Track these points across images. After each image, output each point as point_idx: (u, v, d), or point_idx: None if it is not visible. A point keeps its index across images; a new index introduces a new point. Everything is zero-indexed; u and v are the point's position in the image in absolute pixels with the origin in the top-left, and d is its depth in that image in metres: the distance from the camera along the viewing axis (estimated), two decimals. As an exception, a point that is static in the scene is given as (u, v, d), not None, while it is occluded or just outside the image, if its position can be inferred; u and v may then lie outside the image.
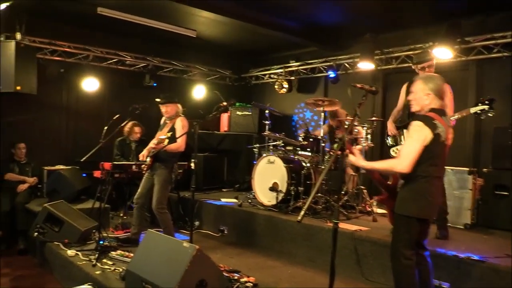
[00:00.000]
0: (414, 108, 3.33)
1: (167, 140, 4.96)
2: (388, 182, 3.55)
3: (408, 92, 4.81)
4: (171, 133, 5.11)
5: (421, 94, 3.23)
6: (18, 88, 6.09)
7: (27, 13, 6.27)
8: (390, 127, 4.98)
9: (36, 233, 5.15)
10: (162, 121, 5.43)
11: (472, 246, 4.24)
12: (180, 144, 5.05)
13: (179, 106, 5.34)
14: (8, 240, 5.96)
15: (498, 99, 6.08)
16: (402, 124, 4.78)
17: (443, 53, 5.78)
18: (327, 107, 6.09)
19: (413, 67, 4.80)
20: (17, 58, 6.06)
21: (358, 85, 3.33)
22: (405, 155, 3.06)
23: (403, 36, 6.88)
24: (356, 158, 3.28)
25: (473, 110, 4.23)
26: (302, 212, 2.45)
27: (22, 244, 5.90)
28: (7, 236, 5.96)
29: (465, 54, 6.19)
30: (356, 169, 6.00)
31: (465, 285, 3.70)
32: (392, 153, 4.88)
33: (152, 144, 5.15)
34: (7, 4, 4.70)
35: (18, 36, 6.26)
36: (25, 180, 6.47)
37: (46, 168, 6.71)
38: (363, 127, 5.90)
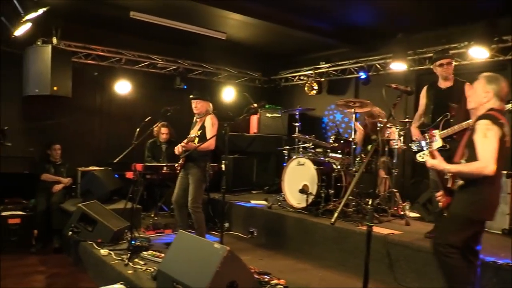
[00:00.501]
0: (470, 105, 3.27)
1: (197, 138, 5.02)
2: (449, 185, 3.36)
3: (428, 96, 4.71)
4: (201, 131, 5.16)
5: (480, 92, 3.18)
6: (55, 88, 6.25)
7: (62, 19, 6.43)
8: (415, 132, 4.80)
9: (70, 232, 5.26)
10: (194, 120, 5.49)
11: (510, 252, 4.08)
12: (210, 142, 5.08)
13: (210, 104, 5.37)
14: (44, 239, 6.12)
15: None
16: (426, 128, 4.62)
17: (479, 53, 5.62)
18: (358, 109, 6.00)
19: (431, 66, 4.69)
20: (53, 62, 6.24)
21: (393, 85, 3.26)
22: (487, 156, 2.93)
23: (436, 36, 6.70)
24: (438, 161, 3.18)
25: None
26: (336, 215, 2.41)
27: (57, 243, 6.05)
28: (43, 235, 6.13)
29: (502, 54, 5.99)
30: (389, 171, 5.89)
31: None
32: (419, 158, 4.70)
33: (183, 143, 5.20)
34: (44, 9, 4.84)
35: (54, 40, 6.45)
36: (60, 180, 6.64)
37: (80, 169, 6.86)
38: (395, 128, 5.78)
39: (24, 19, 4.86)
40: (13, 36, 5.20)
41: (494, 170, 2.90)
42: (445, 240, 3.10)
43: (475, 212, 3.05)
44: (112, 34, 7.68)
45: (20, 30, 5.13)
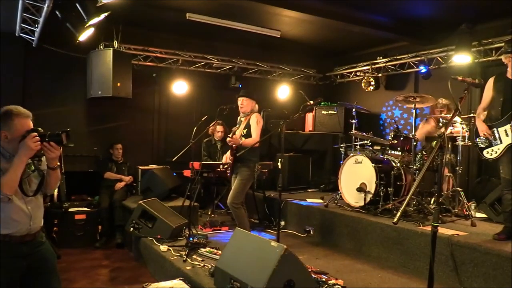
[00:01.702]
0: None
1: (243, 137, 5.07)
2: None
3: (496, 88, 4.39)
4: (246, 129, 5.19)
5: None
6: (118, 87, 6.50)
7: (122, 22, 6.68)
8: (482, 127, 4.42)
9: (131, 229, 5.45)
10: (238, 119, 5.52)
11: None
12: (255, 138, 5.11)
13: (256, 104, 5.38)
14: (107, 234, 6.38)
15: None
16: (495, 123, 4.34)
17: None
18: (419, 104, 5.76)
19: (502, 57, 4.37)
20: (115, 65, 6.50)
21: (459, 78, 3.07)
22: None
23: (503, 26, 6.30)
24: None
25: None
26: (399, 214, 2.31)
27: (119, 238, 6.28)
28: (106, 231, 6.39)
29: None
30: (453, 169, 5.61)
31: None
32: (486, 155, 4.40)
33: (228, 138, 5.26)
34: (106, 14, 5.03)
35: (115, 44, 6.72)
36: (122, 178, 6.90)
37: (140, 167, 7.09)
38: (460, 123, 5.50)
39: (87, 25, 5.07)
40: (78, 41, 5.44)
41: None
42: None
43: None
44: (169, 36, 7.89)
45: (84, 35, 5.36)
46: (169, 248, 4.88)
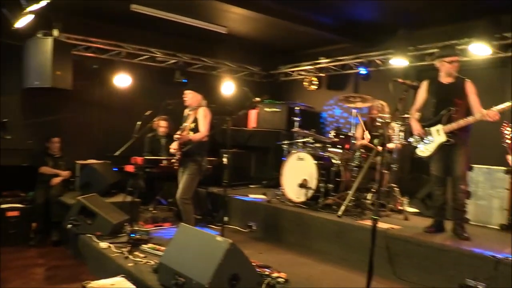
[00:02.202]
0: None
1: (191, 132, 5.05)
2: None
3: (430, 91, 4.71)
4: (194, 124, 5.18)
5: None
6: (57, 77, 6.22)
7: (63, 11, 6.40)
8: (416, 127, 4.72)
9: (70, 225, 5.25)
10: (185, 113, 5.50)
11: (509, 247, 4.10)
12: (203, 132, 5.11)
13: (202, 98, 5.38)
14: (43, 231, 6.11)
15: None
16: (428, 123, 4.64)
17: (480, 49, 5.63)
18: (359, 104, 6.01)
19: (436, 62, 4.70)
20: (54, 54, 6.20)
21: (400, 80, 3.26)
22: None
23: (437, 33, 6.71)
24: None
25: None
26: (343, 207, 2.43)
27: (56, 235, 6.04)
28: (42, 228, 6.11)
29: (503, 51, 6.00)
30: (388, 167, 5.91)
31: (502, 286, 3.59)
32: (420, 153, 4.69)
33: (176, 135, 5.22)
34: (47, 1, 4.80)
35: (55, 32, 6.38)
36: (59, 173, 6.62)
37: (78, 162, 6.84)
38: (396, 123, 5.79)
39: (26, 11, 4.81)
40: (13, 28, 5.15)
41: None
42: None
43: None
44: (112, 27, 7.64)
45: (21, 22, 5.09)
46: (109, 245, 4.77)
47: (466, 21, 6.16)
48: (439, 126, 4.48)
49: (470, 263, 3.82)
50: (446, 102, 4.48)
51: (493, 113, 4.14)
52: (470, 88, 4.43)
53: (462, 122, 4.35)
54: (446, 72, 4.59)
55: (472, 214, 5.27)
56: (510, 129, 2.87)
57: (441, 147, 4.50)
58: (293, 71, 9.35)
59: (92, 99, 7.75)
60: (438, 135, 4.51)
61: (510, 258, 3.67)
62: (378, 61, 7.62)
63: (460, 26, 6.33)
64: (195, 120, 5.23)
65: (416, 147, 4.74)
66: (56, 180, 6.53)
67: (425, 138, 4.62)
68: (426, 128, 4.63)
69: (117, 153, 5.13)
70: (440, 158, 4.57)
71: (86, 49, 7.31)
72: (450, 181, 4.60)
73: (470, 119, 4.32)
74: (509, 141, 2.84)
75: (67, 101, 7.18)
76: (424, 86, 4.77)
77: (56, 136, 6.76)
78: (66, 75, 6.46)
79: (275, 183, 7.22)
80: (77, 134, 7.48)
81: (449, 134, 4.42)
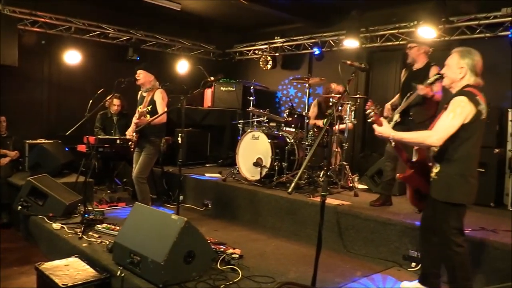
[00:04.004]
0: (445, 82, 3.19)
1: (148, 115, 5.03)
2: (413, 159, 3.32)
3: (407, 78, 4.88)
4: (151, 106, 5.14)
5: (454, 68, 3.07)
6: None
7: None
8: (386, 108, 4.93)
9: (20, 207, 5.13)
10: (139, 95, 5.44)
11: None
12: (163, 116, 5.07)
13: (154, 78, 5.33)
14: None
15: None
16: (396, 104, 4.86)
17: (427, 32, 5.85)
18: (313, 84, 6.13)
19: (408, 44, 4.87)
20: (-2, 29, 5.92)
21: (348, 62, 3.36)
22: (441, 128, 2.92)
23: (389, 14, 6.90)
24: (384, 128, 3.13)
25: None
26: (293, 185, 2.53)
27: (5, 217, 5.86)
28: (-10, 210, 5.92)
29: (448, 34, 6.28)
30: (340, 145, 6.11)
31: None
32: None
33: (135, 119, 5.18)
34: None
35: (-1, 6, 6.09)
36: (7, 153, 6.38)
37: (27, 142, 6.61)
38: (347, 104, 5.98)
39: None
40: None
41: (438, 142, 2.91)
42: (452, 226, 3.04)
43: (462, 197, 3.04)
44: (61, 1, 7.33)
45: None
46: (62, 226, 4.71)
47: (415, 3, 6.34)
48: (399, 108, 4.69)
49: (413, 235, 4.06)
50: (408, 87, 4.64)
51: (421, 87, 4.30)
52: (432, 73, 4.49)
53: (408, 101, 4.53)
54: (410, 58, 4.78)
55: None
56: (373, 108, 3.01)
57: (395, 127, 4.71)
58: (248, 50, 9.35)
59: (40, 76, 7.48)
60: (395, 116, 4.72)
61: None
62: (331, 42, 7.77)
63: (409, 8, 6.53)
64: (152, 102, 5.17)
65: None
66: (4, 161, 6.30)
67: (391, 120, 4.81)
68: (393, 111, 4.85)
69: (68, 132, 5.02)
70: None
71: (32, 23, 6.99)
72: None
73: (411, 98, 4.50)
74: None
75: (13, 78, 6.87)
76: (402, 73, 4.98)
77: (1, 115, 6.48)
78: (12, 51, 6.19)
79: (231, 162, 7.30)
80: (26, 113, 7.22)
81: (402, 115, 4.62)
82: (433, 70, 4.50)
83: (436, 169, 3.11)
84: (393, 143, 3.33)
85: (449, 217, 3.05)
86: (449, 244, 3.04)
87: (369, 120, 3.20)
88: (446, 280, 3.21)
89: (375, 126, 3.17)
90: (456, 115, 2.90)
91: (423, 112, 4.54)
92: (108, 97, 5.91)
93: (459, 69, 3.05)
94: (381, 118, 3.16)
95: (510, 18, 5.60)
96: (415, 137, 3.08)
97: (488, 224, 4.22)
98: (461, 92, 3.00)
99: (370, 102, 3.15)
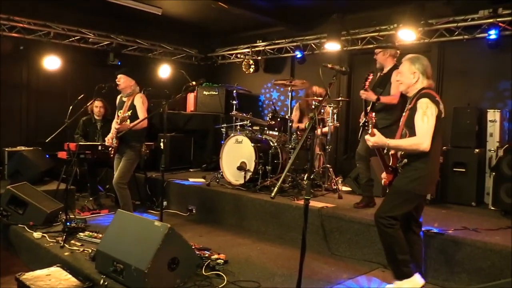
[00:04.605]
0: (401, 88, 3.41)
1: (129, 120, 4.99)
2: (389, 163, 3.48)
3: (372, 83, 4.89)
4: (131, 111, 5.10)
5: (407, 74, 3.32)
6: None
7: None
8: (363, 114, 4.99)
9: (-1, 216, 5.04)
10: (118, 100, 5.39)
11: (432, 220, 4.43)
12: (144, 122, 5.04)
13: (135, 83, 5.30)
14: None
15: (458, 80, 6.37)
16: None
17: (407, 35, 5.93)
18: (295, 87, 6.15)
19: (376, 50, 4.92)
20: (-27, 34, 5.80)
21: (329, 65, 3.39)
22: (425, 133, 3.10)
23: (369, 17, 6.96)
24: (378, 138, 3.24)
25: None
26: (276, 189, 2.52)
27: (-17, 227, 5.73)
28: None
29: (428, 36, 6.36)
30: (323, 148, 6.14)
31: (426, 256, 3.89)
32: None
33: (116, 124, 5.12)
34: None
35: (-26, 10, 5.97)
36: (-15, 161, 6.27)
37: (6, 149, 6.49)
38: (329, 107, 6.01)
39: None
40: None
41: (428, 147, 3.10)
42: (388, 213, 3.26)
43: (419, 187, 3.25)
44: (40, 5, 7.22)
45: None
46: (43, 234, 4.64)
47: (395, 6, 6.42)
48: (362, 115, 4.72)
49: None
50: (374, 91, 4.70)
51: (361, 92, 4.51)
52: (393, 77, 4.56)
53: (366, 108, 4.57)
54: (378, 63, 4.84)
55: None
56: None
57: (363, 129, 4.75)
58: (231, 54, 9.34)
59: (19, 82, 7.36)
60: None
61: (432, 231, 3.97)
62: (313, 45, 7.81)
63: (389, 11, 6.61)
64: (132, 107, 5.13)
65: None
66: (-18, 169, 6.18)
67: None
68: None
69: (48, 139, 4.93)
70: (363, 138, 4.82)
71: (10, 29, 6.87)
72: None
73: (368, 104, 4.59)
74: None
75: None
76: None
77: (-21, 122, 6.36)
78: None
79: (215, 166, 7.28)
80: (4, 119, 7.07)
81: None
82: (394, 75, 4.53)
83: (403, 163, 3.32)
84: (386, 150, 3.44)
85: (396, 200, 3.29)
86: (381, 221, 3.27)
87: (363, 127, 3.30)
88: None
89: (367, 137, 3.30)
90: (429, 116, 3.12)
91: (386, 117, 4.62)
92: (89, 103, 5.83)
93: (412, 74, 3.30)
94: (374, 129, 3.28)
95: (487, 20, 5.70)
96: (409, 144, 3.22)
97: (470, 223, 4.28)
98: (421, 95, 3.22)
99: (370, 114, 3.24)
